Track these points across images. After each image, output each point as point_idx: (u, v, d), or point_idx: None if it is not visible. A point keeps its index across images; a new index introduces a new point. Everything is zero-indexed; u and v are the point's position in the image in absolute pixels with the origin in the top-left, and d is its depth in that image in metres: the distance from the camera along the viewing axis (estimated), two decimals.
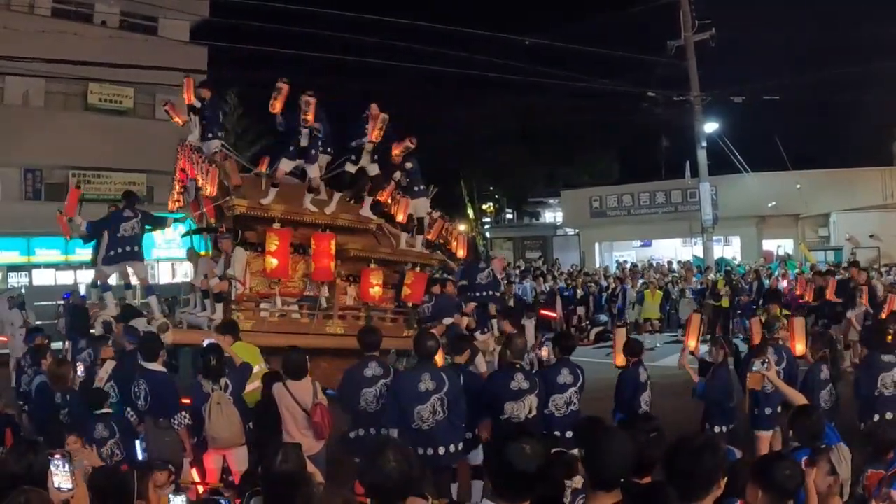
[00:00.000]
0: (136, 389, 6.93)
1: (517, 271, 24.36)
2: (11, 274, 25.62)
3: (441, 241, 12.27)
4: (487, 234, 46.30)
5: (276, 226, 9.76)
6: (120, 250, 9.74)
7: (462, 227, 15.10)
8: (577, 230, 36.34)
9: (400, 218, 11.16)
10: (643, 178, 33.93)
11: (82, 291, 17.92)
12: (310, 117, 9.63)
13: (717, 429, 7.13)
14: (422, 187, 11.24)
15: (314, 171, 10.05)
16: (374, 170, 10.79)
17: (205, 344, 7.26)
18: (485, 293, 11.78)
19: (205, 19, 28.89)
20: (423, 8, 21.78)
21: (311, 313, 10.13)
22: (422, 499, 3.47)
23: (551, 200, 43.65)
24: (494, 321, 11.46)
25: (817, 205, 27.92)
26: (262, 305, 9.98)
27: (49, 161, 26.05)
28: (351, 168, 10.60)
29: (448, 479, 6.56)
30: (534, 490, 2.89)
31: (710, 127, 25.27)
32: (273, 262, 9.69)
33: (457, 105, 33.10)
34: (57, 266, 26.26)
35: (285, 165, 9.94)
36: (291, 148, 9.92)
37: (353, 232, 10.75)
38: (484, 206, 49.35)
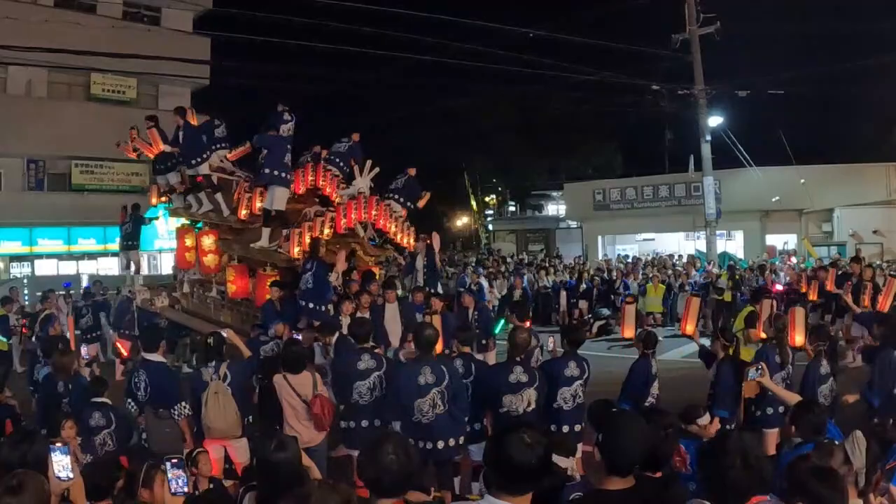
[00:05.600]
0: (136, 380, 6.93)
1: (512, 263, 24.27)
2: (14, 264, 25.67)
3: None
4: (490, 227, 46.31)
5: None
6: (125, 244, 14.99)
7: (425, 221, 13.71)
8: (579, 223, 36.27)
9: (242, 213, 11.25)
10: (647, 172, 33.81)
11: (84, 281, 17.98)
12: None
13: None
14: (279, 174, 10.80)
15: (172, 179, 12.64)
16: (203, 169, 11.95)
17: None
18: (304, 303, 9.88)
19: (208, 10, 28.87)
20: None
21: (211, 301, 12.37)
22: (422, 492, 3.46)
23: (554, 193, 43.57)
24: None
25: (821, 200, 27.79)
26: (184, 290, 13.15)
27: (51, 151, 26.04)
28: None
29: (450, 472, 6.54)
30: (535, 482, 2.84)
31: (715, 121, 25.16)
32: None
33: (460, 97, 32.98)
34: (59, 256, 26.30)
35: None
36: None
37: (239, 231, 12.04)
38: (487, 199, 49.35)
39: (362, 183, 12.03)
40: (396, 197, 12.79)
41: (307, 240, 10.49)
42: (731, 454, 2.86)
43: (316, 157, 12.64)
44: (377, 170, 12.53)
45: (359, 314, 9.81)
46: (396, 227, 12.43)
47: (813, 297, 13.54)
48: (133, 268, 15.27)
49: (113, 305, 14.68)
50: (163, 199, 13.31)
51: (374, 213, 11.77)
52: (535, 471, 2.78)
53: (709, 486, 2.96)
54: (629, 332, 7.80)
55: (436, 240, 13.12)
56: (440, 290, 15.68)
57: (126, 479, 4.30)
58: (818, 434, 4.48)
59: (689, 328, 8.33)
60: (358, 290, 10.36)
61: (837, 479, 3.26)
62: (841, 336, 12.25)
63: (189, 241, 12.80)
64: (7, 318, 13.34)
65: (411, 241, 12.66)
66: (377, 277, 12.26)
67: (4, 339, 12.73)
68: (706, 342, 9.11)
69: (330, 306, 10.00)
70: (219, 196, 11.82)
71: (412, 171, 12.98)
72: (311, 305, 9.82)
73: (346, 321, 9.58)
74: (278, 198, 10.78)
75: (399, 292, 11.88)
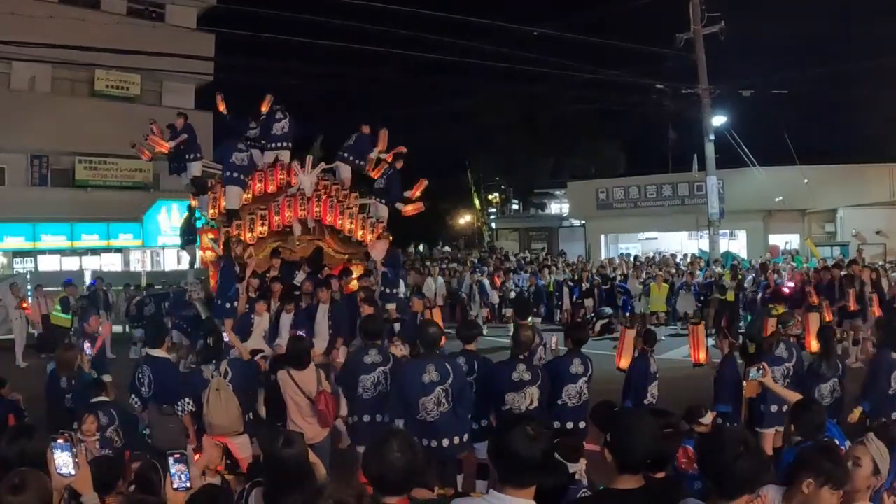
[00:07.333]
0: (140, 376, 6.95)
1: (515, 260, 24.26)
2: (17, 259, 25.68)
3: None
4: (493, 225, 46.28)
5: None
6: (183, 241, 14.53)
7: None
8: (583, 222, 36.22)
9: (210, 212, 12.13)
10: (650, 171, 33.71)
11: (87, 278, 18.06)
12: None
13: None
14: (230, 175, 11.56)
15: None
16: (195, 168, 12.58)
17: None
18: (216, 301, 10.30)
19: (212, 6, 28.88)
20: None
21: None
22: (426, 489, 3.46)
23: (557, 191, 43.50)
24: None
25: (824, 200, 27.74)
26: None
27: (55, 147, 26.04)
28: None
29: (453, 470, 6.55)
30: (539, 475, 2.86)
31: (718, 120, 25.12)
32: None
33: (464, 95, 33.01)
34: (62, 252, 26.30)
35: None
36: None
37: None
38: (490, 197, 49.32)
39: (304, 180, 11.98)
40: (379, 199, 12.86)
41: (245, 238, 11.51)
42: (732, 444, 2.87)
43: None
44: (322, 165, 12.75)
45: (285, 314, 9.98)
46: (354, 223, 12.31)
47: (813, 300, 13.40)
48: (190, 262, 16.18)
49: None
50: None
51: (316, 209, 11.80)
52: (539, 463, 2.80)
53: (715, 481, 2.95)
54: (625, 361, 7.76)
55: (381, 244, 12.43)
56: (441, 289, 15.58)
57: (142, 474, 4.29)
58: (818, 432, 4.50)
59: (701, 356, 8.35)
60: (279, 291, 10.57)
61: (839, 455, 3.38)
62: (846, 337, 12.24)
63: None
64: (69, 300, 14.90)
65: (373, 238, 12.52)
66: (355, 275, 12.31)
67: (67, 317, 14.58)
68: (710, 341, 9.12)
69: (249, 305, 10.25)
70: (206, 196, 12.43)
71: (398, 165, 12.98)
72: (219, 303, 10.08)
73: (259, 320, 9.72)
74: (232, 197, 11.62)
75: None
